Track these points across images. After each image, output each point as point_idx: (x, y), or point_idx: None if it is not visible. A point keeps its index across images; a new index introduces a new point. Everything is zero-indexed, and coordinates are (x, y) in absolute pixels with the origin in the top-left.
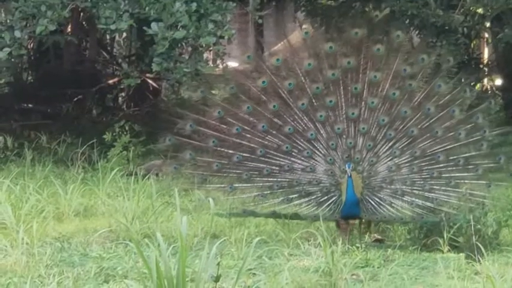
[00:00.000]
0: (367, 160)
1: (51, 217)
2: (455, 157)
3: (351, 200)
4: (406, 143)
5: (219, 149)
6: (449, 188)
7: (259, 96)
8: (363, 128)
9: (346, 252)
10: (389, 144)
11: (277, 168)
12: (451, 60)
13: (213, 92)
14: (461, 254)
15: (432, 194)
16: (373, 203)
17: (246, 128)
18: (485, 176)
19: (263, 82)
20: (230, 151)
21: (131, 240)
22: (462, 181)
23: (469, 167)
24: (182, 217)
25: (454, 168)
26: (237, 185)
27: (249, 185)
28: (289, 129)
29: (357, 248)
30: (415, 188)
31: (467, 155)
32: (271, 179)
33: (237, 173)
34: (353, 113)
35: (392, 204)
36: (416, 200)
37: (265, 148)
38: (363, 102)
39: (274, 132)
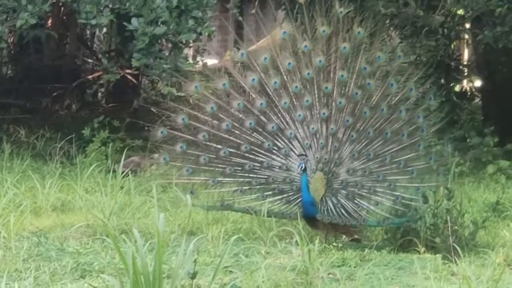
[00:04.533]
0: (333, 161)
1: (28, 211)
2: (397, 159)
3: (304, 200)
4: (363, 144)
5: (208, 143)
6: (388, 191)
7: (249, 93)
8: (332, 129)
9: (322, 251)
10: (351, 146)
11: (258, 164)
12: (402, 56)
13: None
14: (438, 255)
15: (377, 197)
16: (330, 204)
17: (235, 124)
18: (418, 178)
19: (253, 80)
20: (219, 146)
21: (108, 236)
22: (399, 184)
23: (407, 169)
24: (159, 213)
25: (395, 171)
26: (220, 179)
27: (231, 179)
28: (273, 127)
29: (334, 247)
30: (364, 191)
31: (407, 156)
32: (252, 175)
33: (222, 167)
34: (324, 113)
35: (345, 207)
36: (365, 203)
37: (250, 145)
38: (333, 103)
39: (259, 129)
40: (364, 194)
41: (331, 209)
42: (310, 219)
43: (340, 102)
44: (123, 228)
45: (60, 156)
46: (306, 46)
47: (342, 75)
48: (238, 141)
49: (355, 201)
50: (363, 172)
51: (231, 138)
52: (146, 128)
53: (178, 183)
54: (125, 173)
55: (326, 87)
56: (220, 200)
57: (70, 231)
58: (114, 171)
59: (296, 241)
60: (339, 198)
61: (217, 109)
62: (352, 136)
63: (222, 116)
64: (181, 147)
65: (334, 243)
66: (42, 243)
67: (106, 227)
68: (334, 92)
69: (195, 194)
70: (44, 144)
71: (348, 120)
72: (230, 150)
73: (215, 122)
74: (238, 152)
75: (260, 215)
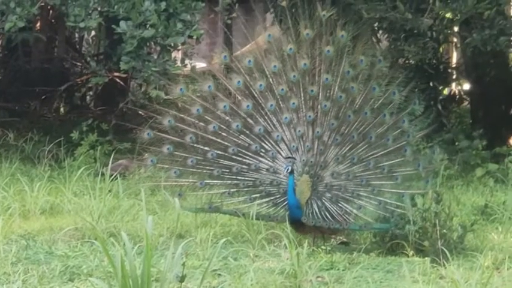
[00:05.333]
0: (319, 164)
1: (17, 214)
2: (381, 164)
3: (290, 203)
4: (348, 148)
5: (195, 145)
6: (371, 196)
7: (235, 95)
8: (318, 132)
9: (311, 254)
10: (336, 149)
11: (245, 167)
12: (382, 60)
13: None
14: (426, 258)
15: (360, 202)
16: (315, 207)
17: (222, 126)
18: (403, 184)
19: (238, 82)
20: (206, 148)
21: (97, 239)
22: (383, 189)
23: (392, 174)
24: (148, 217)
25: (379, 176)
26: (208, 181)
27: (218, 181)
28: (260, 129)
29: (322, 250)
30: (347, 194)
31: (392, 162)
32: (239, 178)
33: (209, 169)
34: (310, 116)
35: (330, 210)
36: (349, 207)
37: (237, 147)
38: (319, 105)
39: (247, 131)
40: (347, 197)
41: (316, 212)
42: (296, 222)
43: (325, 105)
44: (112, 231)
45: (48, 160)
46: (290, 49)
47: (327, 78)
48: (226, 143)
49: (339, 204)
50: (347, 176)
51: (218, 140)
52: (134, 131)
53: (166, 185)
54: (113, 176)
55: (311, 90)
56: (208, 203)
57: (59, 234)
58: (102, 174)
59: (285, 244)
60: (323, 201)
61: (203, 111)
62: (337, 139)
63: (208, 118)
64: (168, 149)
65: (322, 247)
66: (31, 246)
67: (95, 230)
68: (320, 95)
69: (183, 196)
70: (33, 148)
71: (332, 124)
72: (217, 152)
73: (202, 124)
74: (226, 154)
75: (248, 218)
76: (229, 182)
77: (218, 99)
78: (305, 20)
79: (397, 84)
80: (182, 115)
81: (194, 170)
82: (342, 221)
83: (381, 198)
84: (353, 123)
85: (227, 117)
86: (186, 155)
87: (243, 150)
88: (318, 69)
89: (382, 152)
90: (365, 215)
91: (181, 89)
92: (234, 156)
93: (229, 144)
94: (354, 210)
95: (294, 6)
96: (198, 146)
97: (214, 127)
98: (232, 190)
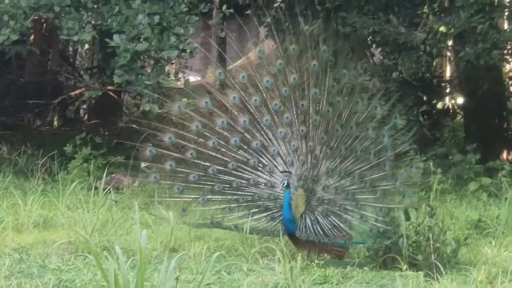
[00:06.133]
0: (312, 178)
1: (10, 228)
2: (365, 178)
3: (284, 217)
4: (338, 162)
5: (196, 161)
6: (355, 210)
7: (231, 111)
8: (310, 146)
9: (305, 269)
10: (327, 163)
11: (245, 181)
12: (362, 73)
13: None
14: (420, 272)
15: (346, 216)
16: (308, 222)
17: (221, 141)
18: (381, 198)
19: (234, 98)
20: (207, 163)
21: (90, 253)
22: (364, 203)
23: (373, 189)
24: (141, 230)
25: (363, 190)
26: (209, 196)
27: (220, 197)
28: (257, 144)
29: (316, 264)
30: (336, 208)
31: (373, 176)
32: (239, 193)
33: (211, 184)
34: (302, 130)
35: (321, 224)
36: (337, 220)
37: (236, 162)
38: (310, 119)
39: (245, 146)
40: (336, 211)
41: (308, 226)
42: (291, 236)
43: (315, 119)
44: (105, 245)
45: (42, 173)
46: (280, 63)
47: (315, 92)
48: (225, 158)
49: (329, 218)
50: (336, 190)
51: (218, 155)
52: (128, 146)
53: (166, 200)
54: (107, 189)
55: (302, 104)
56: (210, 218)
57: (52, 248)
58: (96, 188)
59: (278, 258)
60: (316, 215)
61: (202, 127)
62: (327, 153)
63: (207, 134)
64: (170, 165)
65: (316, 261)
66: (24, 260)
67: (88, 244)
68: (310, 109)
69: (186, 212)
70: (26, 161)
71: (323, 137)
72: (218, 167)
73: (201, 140)
74: (226, 170)
75: (249, 233)
76: (230, 197)
77: (216, 115)
78: (290, 35)
79: (378, 98)
80: (182, 132)
81: (196, 185)
82: (331, 236)
83: (363, 212)
84: (341, 137)
85: (225, 133)
86: (188, 171)
87: (242, 165)
88: (307, 83)
89: (366, 166)
90: (350, 229)
91: (179, 106)
92: (233, 171)
93: (228, 160)
94: (341, 225)
95: (278, 21)
96: (199, 161)
97: (213, 143)
98: (232, 205)
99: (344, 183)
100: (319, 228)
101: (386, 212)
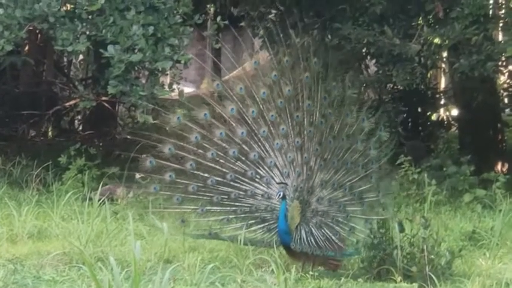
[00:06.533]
0: (307, 190)
1: (4, 239)
2: (354, 190)
3: (280, 228)
4: (331, 173)
5: (195, 172)
6: (345, 221)
7: (229, 122)
8: (305, 157)
9: (299, 280)
10: (321, 175)
11: (243, 193)
12: (350, 86)
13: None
14: (414, 284)
15: (337, 227)
16: (303, 233)
17: (219, 153)
18: (367, 210)
19: (232, 109)
20: (206, 174)
21: (84, 264)
22: (353, 215)
23: (361, 201)
24: (136, 241)
25: (353, 202)
26: (208, 207)
27: (218, 208)
28: (254, 155)
29: (310, 275)
30: (328, 220)
31: (361, 188)
32: (237, 204)
33: (209, 195)
34: (298, 142)
35: (315, 236)
36: (329, 232)
37: (234, 173)
38: (304, 131)
39: (242, 158)
40: (328, 223)
41: (303, 238)
42: (286, 248)
43: (310, 131)
44: (100, 256)
45: (36, 184)
46: (275, 75)
47: (309, 104)
48: (224, 169)
49: (322, 230)
50: (329, 201)
51: (217, 167)
52: (123, 157)
53: (164, 211)
54: (101, 200)
55: (297, 116)
56: (208, 229)
57: (46, 258)
58: (90, 198)
59: (272, 269)
60: (310, 226)
61: (201, 138)
62: (321, 165)
63: (206, 145)
64: (170, 176)
65: (310, 272)
66: (19, 270)
67: (82, 255)
68: (305, 120)
69: (186, 223)
70: (21, 172)
71: (317, 149)
72: (217, 178)
73: (200, 151)
74: (224, 181)
75: (244, 244)
76: (228, 208)
77: (214, 126)
78: (283, 47)
79: (365, 111)
80: (182, 143)
81: (195, 196)
82: (323, 248)
83: (352, 224)
84: (333, 148)
85: (224, 144)
86: (188, 182)
87: (240, 177)
88: (301, 95)
89: (356, 178)
90: (340, 242)
91: (178, 118)
92: (232, 183)
93: (227, 171)
94: (333, 237)
95: (271, 34)
96: (199, 172)
97: (212, 154)
98: (230, 216)
99: (337, 194)
100: (312, 240)
101: (381, 223)
